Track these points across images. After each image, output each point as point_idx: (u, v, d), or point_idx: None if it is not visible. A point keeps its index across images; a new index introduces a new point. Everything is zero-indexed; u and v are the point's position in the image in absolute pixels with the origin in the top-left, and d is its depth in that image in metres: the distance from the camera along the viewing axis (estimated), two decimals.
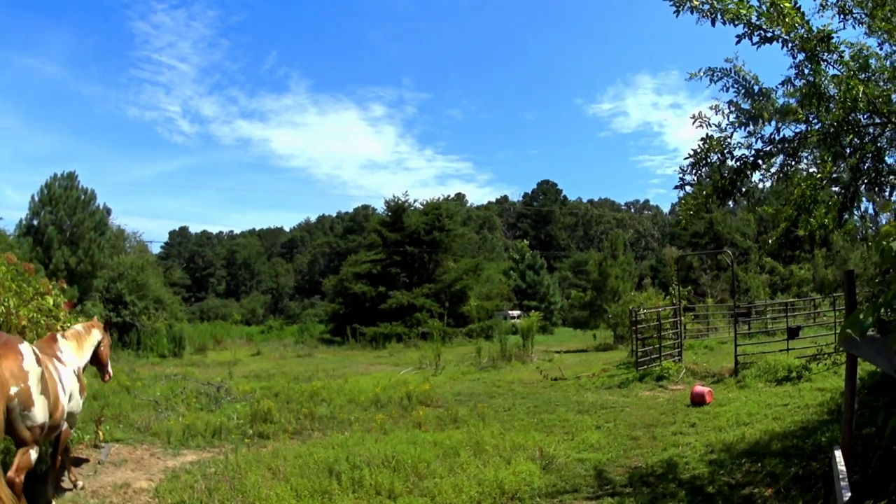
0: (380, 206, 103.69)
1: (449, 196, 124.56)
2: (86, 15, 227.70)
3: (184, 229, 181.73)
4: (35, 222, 62.98)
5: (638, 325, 27.47)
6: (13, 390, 7.73)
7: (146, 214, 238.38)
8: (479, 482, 10.20)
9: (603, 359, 32.95)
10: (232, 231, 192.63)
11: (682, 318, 28.90)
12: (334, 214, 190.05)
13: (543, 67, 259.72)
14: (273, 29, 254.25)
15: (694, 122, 9.98)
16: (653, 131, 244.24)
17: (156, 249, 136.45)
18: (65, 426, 9.51)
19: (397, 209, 73.71)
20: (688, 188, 10.46)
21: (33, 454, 8.12)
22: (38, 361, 8.23)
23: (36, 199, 64.04)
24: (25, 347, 8.17)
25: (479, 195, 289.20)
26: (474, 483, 10.17)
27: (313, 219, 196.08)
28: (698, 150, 9.90)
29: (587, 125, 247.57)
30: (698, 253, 73.75)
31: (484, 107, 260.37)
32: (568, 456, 11.94)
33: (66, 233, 62.27)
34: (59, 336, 10.04)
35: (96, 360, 11.11)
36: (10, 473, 7.84)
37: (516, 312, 77.07)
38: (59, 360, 9.38)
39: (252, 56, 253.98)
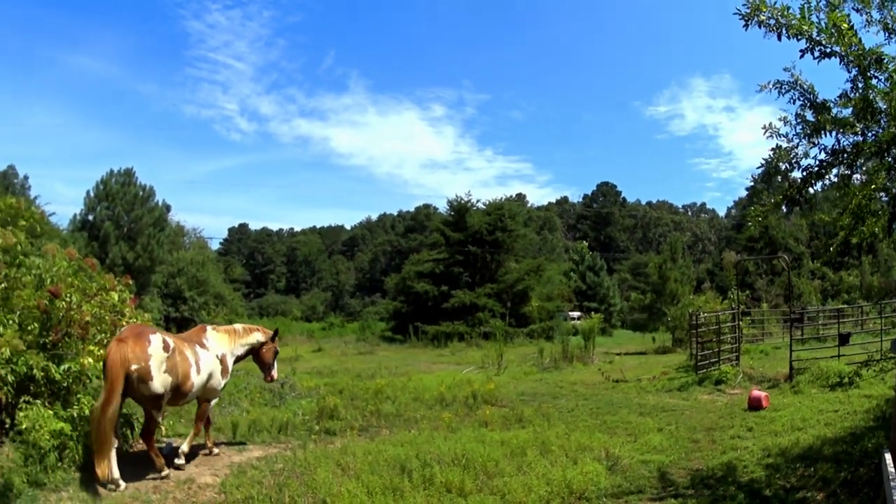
0: (441, 206, 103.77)
1: (510, 196, 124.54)
2: (138, 15, 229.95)
3: (243, 226, 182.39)
4: (90, 217, 63.52)
5: (698, 329, 27.48)
6: (133, 367, 10.23)
7: (204, 211, 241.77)
8: (548, 481, 10.29)
9: (662, 362, 32.85)
10: (292, 228, 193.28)
11: (741, 323, 28.89)
12: (395, 213, 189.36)
13: (601, 69, 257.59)
14: (330, 29, 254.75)
15: (765, 133, 10.06)
16: (708, 134, 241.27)
17: (215, 246, 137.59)
18: (207, 401, 12.44)
19: (460, 209, 73.43)
20: (758, 195, 10.59)
21: (157, 416, 10.89)
22: (166, 348, 10.81)
23: (91, 194, 64.61)
24: (155, 336, 10.80)
25: (539, 196, 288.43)
26: (543, 482, 10.25)
27: (374, 217, 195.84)
28: (769, 160, 10.08)
29: (644, 127, 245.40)
30: (756, 257, 72.83)
31: (542, 108, 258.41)
32: (632, 457, 12.03)
33: (123, 228, 62.82)
34: (208, 328, 12.78)
35: (258, 360, 13.41)
36: (142, 430, 11.01)
37: (576, 314, 76.63)
38: (202, 346, 12.05)
39: (310, 56, 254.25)
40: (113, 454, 10.06)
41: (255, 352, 13.66)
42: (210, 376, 12.09)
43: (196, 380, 11.55)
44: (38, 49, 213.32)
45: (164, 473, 10.93)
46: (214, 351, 12.37)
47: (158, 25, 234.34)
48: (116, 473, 10.09)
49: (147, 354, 10.49)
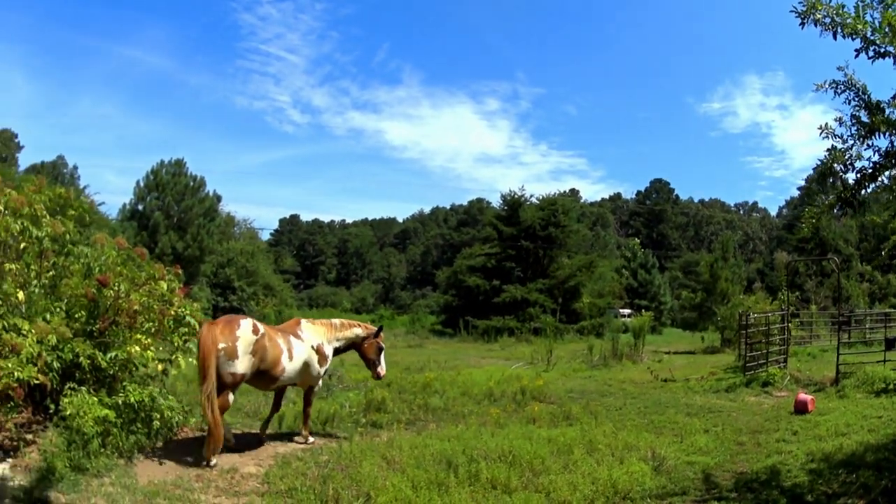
0: (494, 200, 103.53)
1: (563, 192, 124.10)
2: (188, 7, 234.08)
3: (294, 217, 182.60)
4: (140, 207, 64.34)
5: (747, 330, 27.34)
6: (221, 346, 11.17)
7: (255, 202, 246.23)
8: (594, 480, 10.25)
9: (710, 362, 32.59)
10: (344, 220, 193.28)
11: (790, 325, 28.69)
12: (448, 207, 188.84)
13: (654, 65, 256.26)
14: (384, 22, 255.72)
15: (821, 133, 9.97)
16: (761, 132, 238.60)
17: (265, 237, 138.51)
18: (310, 388, 13.44)
19: (513, 203, 73.12)
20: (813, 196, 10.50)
21: (231, 396, 11.51)
22: (255, 332, 11.67)
23: (141, 184, 65.43)
24: (245, 322, 11.76)
25: (592, 191, 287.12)
26: (588, 481, 10.20)
27: (427, 210, 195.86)
28: (824, 161, 10.05)
29: (698, 124, 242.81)
30: (806, 259, 72.01)
31: (597, 103, 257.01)
32: (678, 458, 11.99)
33: (172, 218, 63.35)
34: (303, 321, 13.50)
35: (362, 355, 14.02)
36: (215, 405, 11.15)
37: (627, 311, 76.39)
38: (296, 336, 12.86)
39: (363, 48, 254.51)
40: (219, 435, 11.03)
41: (357, 347, 14.15)
42: (306, 364, 12.88)
43: (288, 366, 12.38)
44: (87, 41, 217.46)
45: (230, 443, 11.95)
46: (309, 341, 13.05)
47: (209, 18, 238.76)
48: (214, 459, 11.04)
49: (235, 336, 11.39)
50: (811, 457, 11.62)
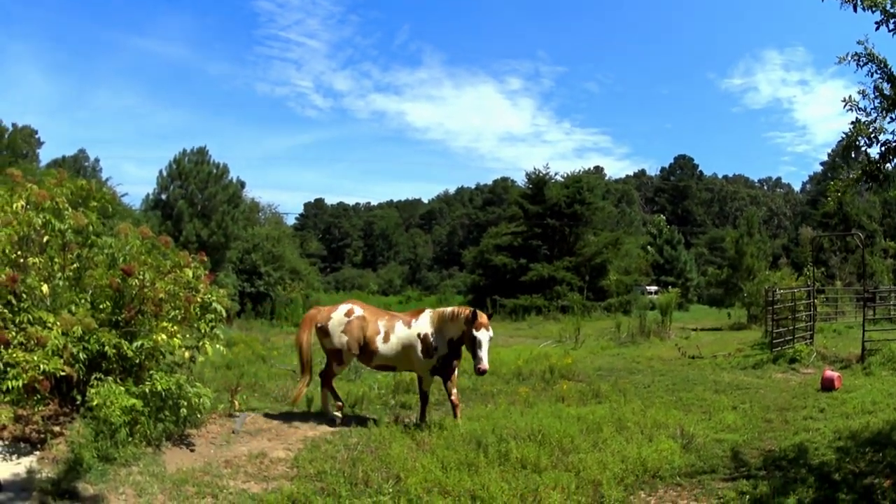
0: (519, 179, 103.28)
1: (588, 169, 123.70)
2: None
3: (319, 201, 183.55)
4: (163, 196, 64.46)
5: (773, 306, 27.19)
6: (318, 324, 13.46)
7: (279, 187, 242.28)
8: (623, 459, 10.14)
9: (737, 338, 32.44)
10: (369, 202, 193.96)
11: (816, 301, 28.49)
12: (473, 186, 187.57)
13: (675, 41, 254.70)
14: (403, 4, 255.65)
15: (844, 106, 9.79)
16: (782, 108, 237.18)
17: (291, 221, 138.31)
18: (419, 375, 13.67)
19: (538, 182, 73.36)
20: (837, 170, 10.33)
21: (334, 366, 13.51)
22: (348, 314, 13.30)
23: (164, 173, 65.49)
24: (345, 306, 13.62)
25: (616, 168, 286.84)
26: (618, 459, 10.09)
27: (452, 191, 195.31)
28: (848, 134, 9.90)
29: (720, 100, 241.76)
30: (831, 234, 71.41)
31: (619, 80, 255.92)
32: (706, 436, 11.86)
33: (196, 206, 63.34)
34: (428, 310, 13.83)
35: (471, 348, 12.86)
36: (322, 372, 13.68)
37: (653, 288, 76.22)
38: (405, 323, 13.42)
39: (383, 31, 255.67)
40: (329, 397, 13.63)
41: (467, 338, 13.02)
42: (405, 349, 13.25)
43: (382, 347, 13.21)
44: (103, 34, 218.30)
45: (334, 416, 13.35)
46: (416, 329, 13.27)
47: (226, 7, 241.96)
48: (335, 412, 13.41)
49: (329, 317, 13.38)
50: (838, 434, 11.49)
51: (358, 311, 13.43)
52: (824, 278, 56.44)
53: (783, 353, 21.92)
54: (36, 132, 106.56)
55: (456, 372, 13.67)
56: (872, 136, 9.63)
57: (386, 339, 13.19)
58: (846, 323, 33.37)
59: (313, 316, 13.75)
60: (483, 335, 12.60)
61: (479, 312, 12.82)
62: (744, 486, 8.99)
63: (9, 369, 9.10)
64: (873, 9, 8.81)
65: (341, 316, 13.31)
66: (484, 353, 12.56)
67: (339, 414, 13.37)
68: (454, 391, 13.31)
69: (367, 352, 13.24)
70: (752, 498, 8.55)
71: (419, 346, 13.08)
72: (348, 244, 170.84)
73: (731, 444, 11.47)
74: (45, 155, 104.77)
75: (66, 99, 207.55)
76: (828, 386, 16.48)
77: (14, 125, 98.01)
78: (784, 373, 19.99)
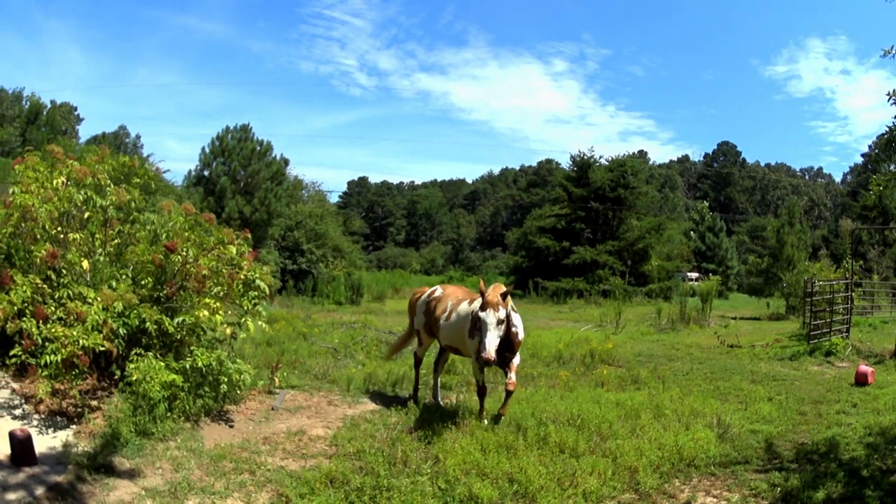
0: (563, 161, 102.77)
1: (632, 153, 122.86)
2: None
3: (363, 179, 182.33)
4: (206, 173, 64.41)
5: (812, 297, 27.02)
6: (411, 301, 14.28)
7: (323, 164, 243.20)
8: (660, 446, 10.15)
9: (775, 328, 32.05)
10: (413, 182, 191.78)
11: (853, 294, 28.30)
12: (517, 168, 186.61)
13: (719, 26, 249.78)
14: None
15: (889, 99, 9.79)
16: (825, 97, 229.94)
17: (334, 199, 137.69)
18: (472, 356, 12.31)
19: (583, 164, 73.16)
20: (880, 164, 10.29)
21: (417, 340, 14.03)
22: (430, 294, 13.50)
23: (207, 150, 65.45)
24: (433, 288, 13.88)
25: (660, 153, 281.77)
26: (655, 447, 10.10)
27: (496, 171, 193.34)
28: (892, 128, 9.85)
29: (763, 87, 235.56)
30: (870, 227, 70.42)
31: (663, 64, 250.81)
32: (741, 426, 11.81)
33: (239, 183, 63.47)
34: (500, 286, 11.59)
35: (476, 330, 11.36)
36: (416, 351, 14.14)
37: (694, 275, 75.85)
38: (469, 301, 12.08)
39: (428, 10, 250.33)
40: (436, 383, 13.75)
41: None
42: (454, 327, 12.15)
43: (443, 322, 12.53)
44: (142, 12, 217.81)
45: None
46: (474, 307, 11.39)
47: None
48: (440, 398, 13.59)
49: (417, 297, 13.94)
50: (869, 430, 11.42)
51: (441, 291, 13.23)
52: (861, 272, 55.92)
53: (819, 346, 21.72)
54: (75, 109, 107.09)
55: (516, 359, 11.71)
56: None
57: (448, 317, 12.32)
58: (882, 318, 32.97)
59: (414, 294, 14.45)
60: (488, 316, 10.45)
61: (487, 290, 10.85)
62: (776, 479, 9.01)
63: (47, 344, 9.31)
64: None
65: (425, 296, 13.59)
66: (488, 339, 10.37)
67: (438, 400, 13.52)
68: (510, 377, 11.42)
69: (434, 327, 12.92)
70: (783, 491, 8.57)
71: (466, 327, 11.52)
72: (391, 223, 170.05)
73: (766, 436, 11.41)
74: (85, 132, 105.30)
75: (104, 76, 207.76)
76: (861, 381, 16.40)
77: (52, 102, 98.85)
78: (819, 365, 19.84)
